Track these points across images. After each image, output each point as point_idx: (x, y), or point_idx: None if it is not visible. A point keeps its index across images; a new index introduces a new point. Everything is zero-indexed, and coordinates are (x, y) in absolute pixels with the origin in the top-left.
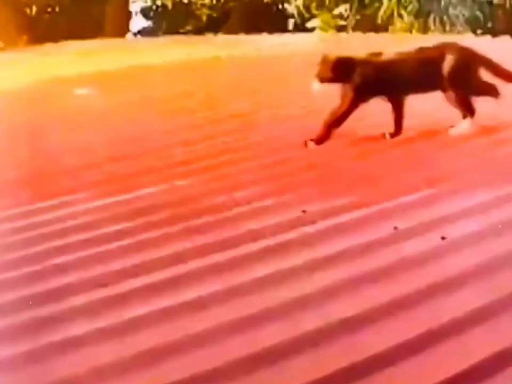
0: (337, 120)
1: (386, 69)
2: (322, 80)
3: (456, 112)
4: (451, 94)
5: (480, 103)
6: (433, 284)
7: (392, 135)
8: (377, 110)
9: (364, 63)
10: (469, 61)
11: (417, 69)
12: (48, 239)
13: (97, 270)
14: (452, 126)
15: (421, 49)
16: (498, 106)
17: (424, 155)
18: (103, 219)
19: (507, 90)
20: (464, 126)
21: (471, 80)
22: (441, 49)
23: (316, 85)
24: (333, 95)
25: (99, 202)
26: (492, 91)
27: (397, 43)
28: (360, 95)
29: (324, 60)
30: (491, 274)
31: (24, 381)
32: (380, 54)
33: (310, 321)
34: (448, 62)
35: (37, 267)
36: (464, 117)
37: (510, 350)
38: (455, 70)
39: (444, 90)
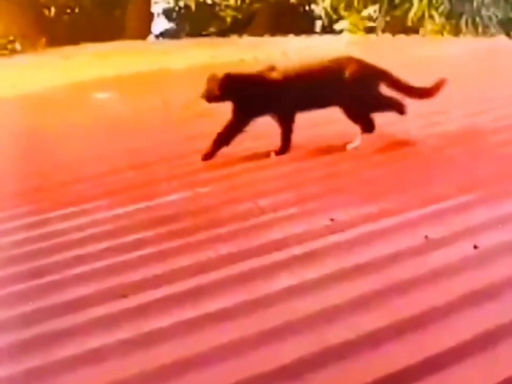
0: (222, 139)
1: (276, 86)
2: (209, 99)
3: None
4: (347, 109)
5: None
6: (464, 295)
7: (278, 153)
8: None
9: (252, 80)
10: (367, 76)
11: (311, 85)
12: (67, 248)
13: (116, 280)
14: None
15: (317, 64)
16: None
17: (455, 162)
18: (123, 228)
19: None
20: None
21: (368, 96)
22: (338, 64)
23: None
24: None
25: (119, 211)
26: (395, 106)
27: (427, 45)
28: (245, 115)
29: (211, 78)
30: None
31: None
32: (272, 68)
33: (336, 334)
34: (344, 77)
35: (55, 277)
36: (362, 132)
37: None
38: (351, 85)
39: (340, 106)
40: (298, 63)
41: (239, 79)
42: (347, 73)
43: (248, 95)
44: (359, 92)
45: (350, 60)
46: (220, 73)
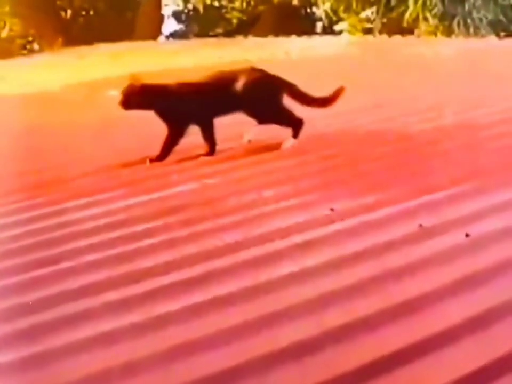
0: (167, 147)
1: (186, 95)
2: (126, 107)
3: None
4: (251, 116)
5: None
6: (456, 281)
7: (207, 154)
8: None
9: (164, 91)
10: (264, 86)
11: (213, 94)
12: (82, 237)
13: (128, 267)
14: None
15: (219, 74)
16: None
17: (448, 155)
18: (135, 217)
19: None
20: (291, 142)
21: (266, 105)
22: (236, 74)
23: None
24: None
25: (131, 201)
26: (292, 123)
27: (422, 45)
28: (170, 123)
29: (129, 87)
30: None
31: (58, 375)
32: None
33: (334, 318)
34: (240, 86)
35: (71, 263)
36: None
37: None
38: (246, 93)
39: (244, 112)
40: (204, 74)
41: (153, 90)
42: (243, 83)
43: (163, 106)
44: (255, 100)
45: (252, 70)
46: (136, 82)
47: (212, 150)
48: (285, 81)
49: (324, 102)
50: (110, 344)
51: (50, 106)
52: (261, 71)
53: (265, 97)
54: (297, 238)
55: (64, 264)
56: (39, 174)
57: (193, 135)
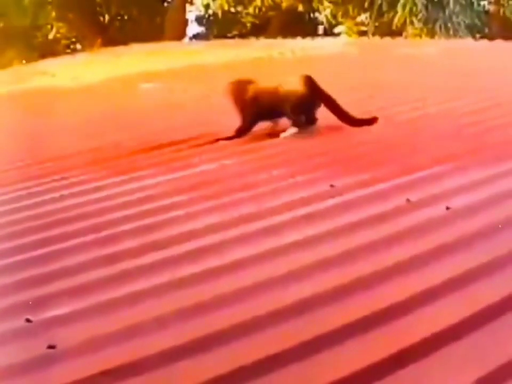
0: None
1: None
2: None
3: None
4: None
5: None
6: (439, 246)
7: (226, 138)
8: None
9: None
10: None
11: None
12: (117, 210)
13: (156, 236)
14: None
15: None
16: None
17: (431, 139)
18: (163, 193)
19: None
20: (291, 131)
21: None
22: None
23: None
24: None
25: (160, 179)
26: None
27: (409, 45)
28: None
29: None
30: (491, 236)
31: (100, 327)
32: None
33: (331, 280)
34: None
35: (111, 231)
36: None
37: None
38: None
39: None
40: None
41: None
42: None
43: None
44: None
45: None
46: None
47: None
48: (327, 95)
49: (354, 122)
50: (142, 301)
51: (91, 97)
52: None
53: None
54: (302, 211)
55: (104, 233)
56: (84, 155)
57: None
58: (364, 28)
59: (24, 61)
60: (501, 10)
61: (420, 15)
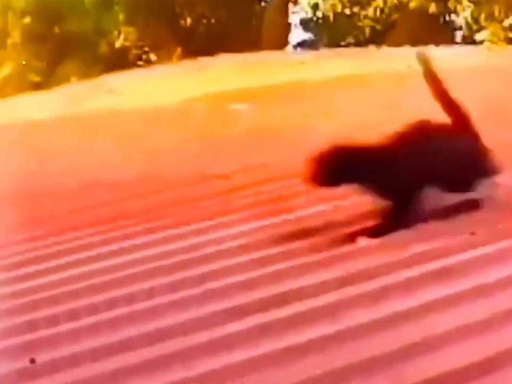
0: None
1: None
2: None
3: None
4: None
5: None
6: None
7: None
8: None
9: None
10: None
11: None
12: (203, 263)
13: None
14: None
15: None
16: None
17: None
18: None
19: None
20: None
21: None
22: None
23: None
24: None
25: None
26: None
27: None
28: None
29: None
30: None
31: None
32: None
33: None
34: None
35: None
36: None
37: None
38: None
39: None
40: None
41: None
42: None
43: None
44: None
45: None
46: None
47: None
48: None
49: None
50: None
51: (168, 123)
52: None
53: None
54: None
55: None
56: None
57: None
58: None
59: (84, 76)
60: None
61: None
